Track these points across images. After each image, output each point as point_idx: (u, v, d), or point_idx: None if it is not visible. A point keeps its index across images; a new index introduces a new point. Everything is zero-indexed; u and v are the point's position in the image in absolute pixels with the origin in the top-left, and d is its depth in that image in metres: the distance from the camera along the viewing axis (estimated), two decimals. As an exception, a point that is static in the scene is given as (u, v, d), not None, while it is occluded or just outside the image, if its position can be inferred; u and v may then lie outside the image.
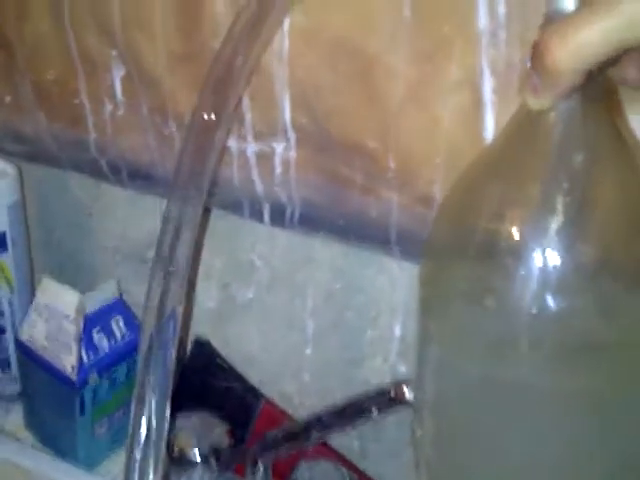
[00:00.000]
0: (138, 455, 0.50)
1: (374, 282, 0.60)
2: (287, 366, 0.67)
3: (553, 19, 0.34)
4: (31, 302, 0.67)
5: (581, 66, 0.32)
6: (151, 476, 0.50)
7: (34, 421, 0.70)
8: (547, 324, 0.36)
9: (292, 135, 0.54)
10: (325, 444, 0.63)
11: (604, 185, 0.37)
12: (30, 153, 0.69)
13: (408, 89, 0.49)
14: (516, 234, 0.36)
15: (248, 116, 0.55)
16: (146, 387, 0.50)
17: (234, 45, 0.47)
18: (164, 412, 0.51)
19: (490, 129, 0.47)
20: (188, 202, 0.49)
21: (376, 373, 0.62)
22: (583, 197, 0.36)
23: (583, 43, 0.32)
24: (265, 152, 0.56)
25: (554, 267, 0.35)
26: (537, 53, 0.33)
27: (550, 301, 0.35)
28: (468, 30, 0.45)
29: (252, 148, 0.56)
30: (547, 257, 0.35)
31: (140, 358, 0.51)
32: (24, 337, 0.66)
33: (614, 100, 0.40)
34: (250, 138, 0.56)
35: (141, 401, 0.50)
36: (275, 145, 0.55)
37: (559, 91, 0.34)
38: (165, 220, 0.49)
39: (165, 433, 0.51)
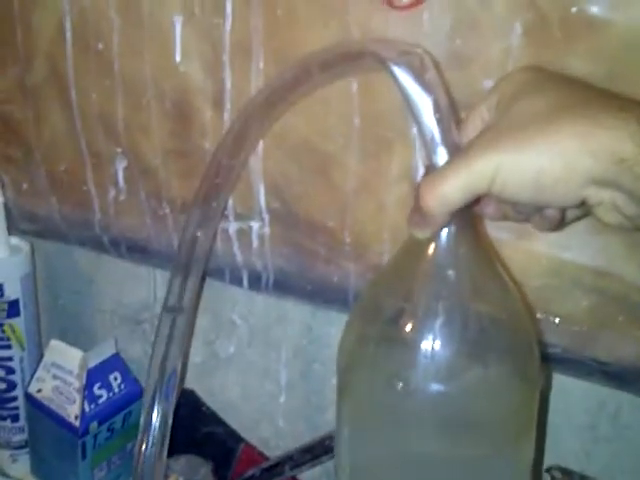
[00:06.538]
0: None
1: (338, 337, 0.63)
2: (264, 413, 0.71)
3: (429, 170, 0.42)
4: (39, 360, 0.70)
5: (447, 209, 0.40)
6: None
7: (40, 468, 0.73)
8: (431, 404, 0.43)
9: (266, 216, 0.61)
10: (297, 480, 0.68)
11: (475, 290, 0.44)
12: (42, 231, 0.73)
13: (359, 181, 0.56)
14: (407, 333, 0.44)
15: (230, 201, 0.61)
16: (147, 433, 0.55)
17: (224, 155, 0.54)
18: (162, 454, 0.56)
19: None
20: (189, 276, 0.55)
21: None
22: (459, 302, 0.44)
23: (446, 193, 0.39)
24: (244, 229, 0.62)
25: (439, 357, 0.43)
26: (416, 198, 0.41)
27: (434, 385, 0.43)
28: (405, 135, 0.52)
29: (233, 227, 0.62)
30: (433, 349, 0.43)
31: (144, 409, 0.55)
32: (33, 391, 0.69)
33: (481, 225, 0.49)
34: (232, 218, 0.62)
35: (143, 443, 0.56)
36: (252, 224, 0.61)
37: (434, 226, 0.42)
38: (168, 291, 0.55)
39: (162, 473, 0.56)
